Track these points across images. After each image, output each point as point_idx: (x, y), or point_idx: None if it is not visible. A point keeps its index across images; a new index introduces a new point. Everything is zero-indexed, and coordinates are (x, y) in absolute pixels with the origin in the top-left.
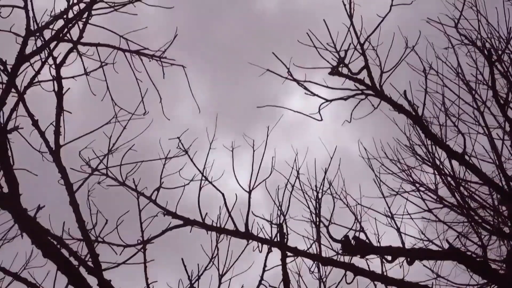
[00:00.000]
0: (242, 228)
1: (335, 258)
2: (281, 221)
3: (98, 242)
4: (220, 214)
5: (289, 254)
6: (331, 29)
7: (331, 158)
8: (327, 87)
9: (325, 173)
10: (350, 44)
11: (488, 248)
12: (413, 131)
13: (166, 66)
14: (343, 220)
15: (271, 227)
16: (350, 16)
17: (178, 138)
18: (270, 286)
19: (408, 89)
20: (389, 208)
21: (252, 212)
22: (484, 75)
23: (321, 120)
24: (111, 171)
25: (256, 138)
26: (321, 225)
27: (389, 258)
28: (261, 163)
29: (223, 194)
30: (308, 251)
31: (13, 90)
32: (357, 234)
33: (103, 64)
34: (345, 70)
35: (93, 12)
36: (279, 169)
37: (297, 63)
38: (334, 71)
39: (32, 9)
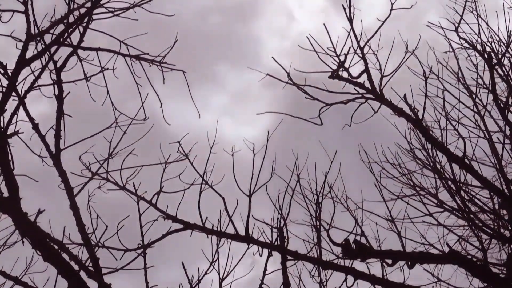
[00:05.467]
0: (242, 232)
1: (335, 262)
2: (281, 225)
3: (98, 247)
4: (220, 218)
5: (289, 258)
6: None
7: (331, 162)
8: (327, 91)
9: (326, 177)
10: (350, 48)
11: (488, 252)
12: (413, 135)
13: (166, 71)
14: (344, 224)
15: (272, 231)
16: (350, 20)
17: (178, 142)
18: None
19: (408, 93)
20: (389, 212)
21: (252, 216)
22: (484, 79)
23: (321, 124)
24: (112, 175)
25: (256, 142)
26: (322, 229)
27: (390, 261)
28: (261, 167)
29: (223, 198)
30: (308, 255)
31: (13, 94)
32: (357, 238)
33: (103, 68)
34: (345, 74)
35: (94, 17)
36: (279, 173)
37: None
38: (334, 75)
39: (33, 14)
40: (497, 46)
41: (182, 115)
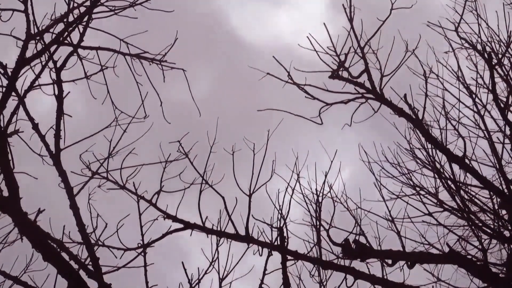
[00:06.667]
0: (242, 232)
1: (335, 261)
2: (281, 225)
3: (98, 246)
4: (220, 217)
5: (289, 257)
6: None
7: (332, 161)
8: (327, 90)
9: (326, 176)
10: (350, 47)
11: (488, 252)
12: (413, 135)
13: (166, 70)
14: (344, 223)
15: (272, 230)
16: (350, 20)
17: (179, 141)
18: None
19: (408, 92)
20: (389, 211)
21: (252, 215)
22: (484, 78)
23: (321, 123)
24: (112, 174)
25: (257, 141)
26: (322, 228)
27: (390, 261)
28: (261, 166)
29: (223, 198)
30: (308, 254)
31: (13, 93)
32: (357, 237)
33: (103, 67)
34: (345, 74)
35: (94, 16)
36: (279, 173)
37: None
38: (335, 75)
39: (33, 13)
40: (497, 46)
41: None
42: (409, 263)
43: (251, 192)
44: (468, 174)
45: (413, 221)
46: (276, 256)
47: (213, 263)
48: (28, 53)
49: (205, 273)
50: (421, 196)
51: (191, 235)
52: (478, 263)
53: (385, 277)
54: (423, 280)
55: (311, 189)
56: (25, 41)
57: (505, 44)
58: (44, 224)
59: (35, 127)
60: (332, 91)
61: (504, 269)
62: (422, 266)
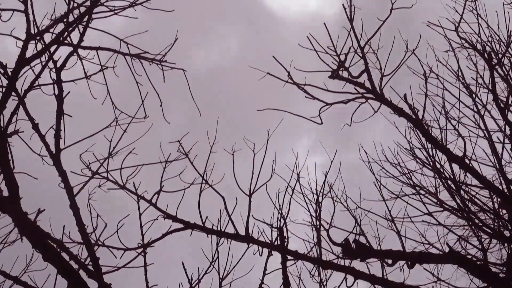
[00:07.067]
0: (242, 232)
1: (335, 261)
2: (281, 225)
3: (98, 246)
4: (220, 217)
5: (289, 257)
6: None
7: (332, 161)
8: (327, 90)
9: (326, 176)
10: (350, 47)
11: (488, 252)
12: (413, 135)
13: (167, 70)
14: (344, 223)
15: (272, 230)
16: (350, 20)
17: (179, 141)
18: None
19: (408, 92)
20: (389, 211)
21: (252, 215)
22: (484, 78)
23: (321, 123)
24: (112, 174)
25: (257, 141)
26: (322, 228)
27: (390, 261)
28: (261, 166)
29: (223, 198)
30: (308, 254)
31: (13, 93)
32: (357, 237)
33: (103, 67)
34: (345, 74)
35: (94, 16)
36: (279, 173)
37: (298, 67)
38: (335, 75)
39: (33, 13)
40: (497, 45)
41: None
42: (409, 263)
43: (251, 192)
44: (468, 174)
45: (413, 221)
46: (276, 256)
47: (213, 263)
48: (28, 53)
49: (205, 273)
50: (421, 196)
51: (191, 235)
52: (478, 263)
53: (385, 277)
54: (423, 280)
55: (311, 189)
56: (25, 41)
57: (505, 44)
58: (44, 224)
59: (35, 127)
60: (332, 91)
61: (504, 269)
62: (422, 266)
